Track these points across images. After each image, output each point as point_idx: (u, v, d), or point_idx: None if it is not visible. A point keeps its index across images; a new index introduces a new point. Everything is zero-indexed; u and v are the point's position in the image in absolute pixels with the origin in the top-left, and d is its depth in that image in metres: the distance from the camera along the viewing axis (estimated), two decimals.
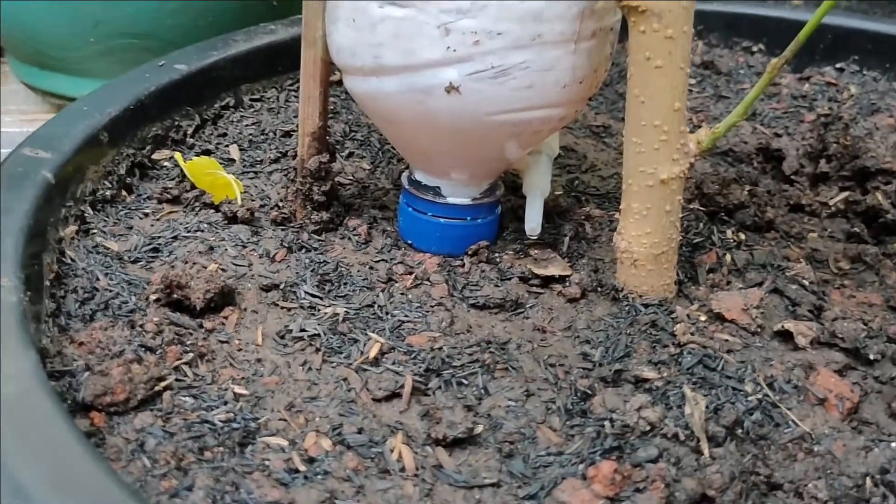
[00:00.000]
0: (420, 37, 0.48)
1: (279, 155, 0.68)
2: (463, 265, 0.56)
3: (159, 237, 0.57)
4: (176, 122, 0.68)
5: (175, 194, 0.61)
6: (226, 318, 0.51)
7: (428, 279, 0.55)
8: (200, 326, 0.50)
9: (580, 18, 0.48)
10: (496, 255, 0.57)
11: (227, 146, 0.69)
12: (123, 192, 0.61)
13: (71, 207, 0.55)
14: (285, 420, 0.44)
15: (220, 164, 0.63)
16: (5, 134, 0.92)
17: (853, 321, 0.51)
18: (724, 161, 0.74)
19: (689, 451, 0.42)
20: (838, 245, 0.62)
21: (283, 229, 0.59)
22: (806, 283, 0.55)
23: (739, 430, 0.44)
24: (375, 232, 0.60)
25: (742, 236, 0.61)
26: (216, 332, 0.50)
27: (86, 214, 0.57)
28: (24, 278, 0.45)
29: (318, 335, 0.49)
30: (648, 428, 0.43)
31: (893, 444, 0.44)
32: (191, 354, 0.47)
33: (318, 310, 0.52)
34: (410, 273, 0.56)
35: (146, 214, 0.60)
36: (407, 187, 0.58)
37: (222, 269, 0.54)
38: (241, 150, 0.69)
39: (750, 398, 0.46)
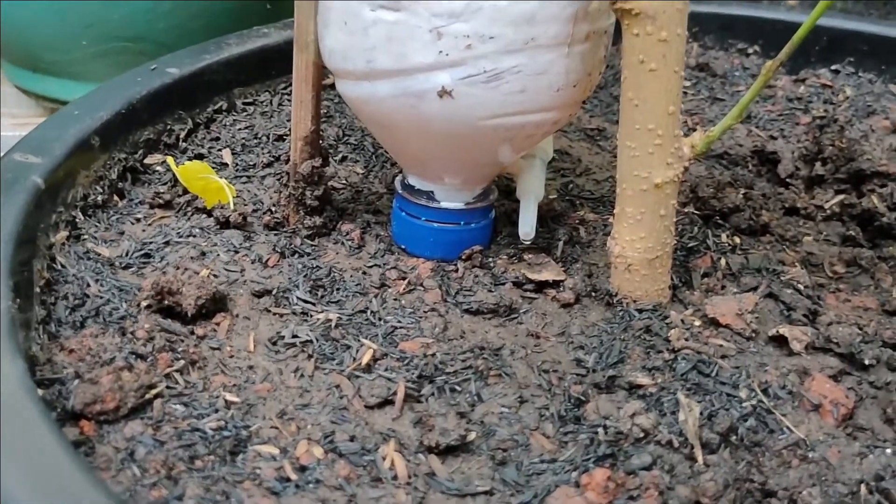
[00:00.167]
0: (412, 40, 0.47)
1: (272, 159, 0.68)
2: (456, 270, 0.56)
3: (151, 242, 0.57)
4: (168, 127, 0.68)
5: (167, 199, 0.61)
6: (217, 324, 0.50)
7: (421, 284, 0.55)
8: (192, 333, 0.49)
9: (573, 21, 0.47)
10: (490, 259, 0.57)
11: (219, 150, 0.69)
12: (115, 197, 0.61)
13: (62, 213, 0.55)
14: (277, 428, 0.44)
15: (213, 168, 0.63)
16: None
17: (848, 326, 0.51)
18: (719, 164, 0.74)
19: (683, 459, 0.42)
20: (833, 248, 0.62)
21: (275, 234, 0.59)
22: (801, 287, 0.55)
23: (734, 437, 0.44)
24: (369, 237, 0.59)
25: (737, 240, 0.61)
26: (208, 338, 0.49)
27: (77, 220, 0.56)
28: (13, 285, 0.45)
29: (311, 341, 0.49)
30: (642, 435, 0.43)
31: (888, 451, 0.44)
32: (182, 362, 0.46)
33: (311, 316, 0.51)
34: (404, 278, 0.55)
35: (138, 219, 0.59)
36: (400, 192, 0.57)
37: (214, 275, 0.54)
38: (233, 154, 0.68)
39: (744, 404, 0.45)
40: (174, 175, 0.62)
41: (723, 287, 0.55)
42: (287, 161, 0.60)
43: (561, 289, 0.55)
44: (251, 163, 0.67)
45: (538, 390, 0.47)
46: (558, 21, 0.47)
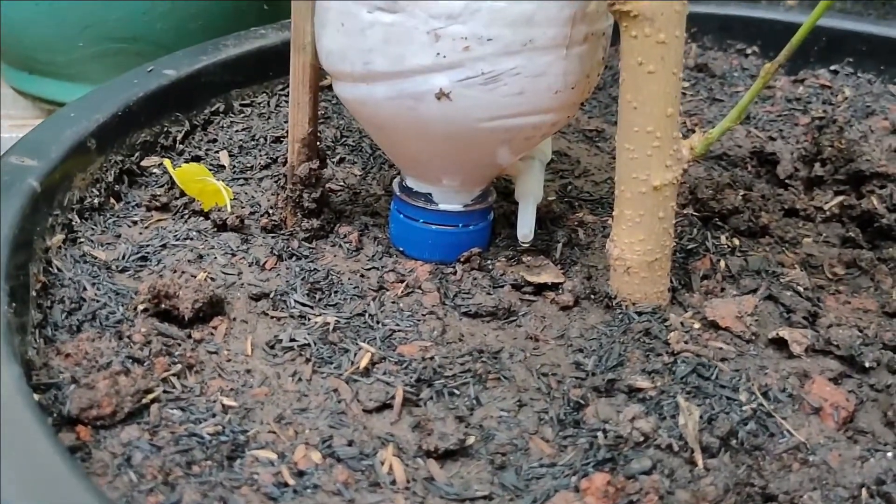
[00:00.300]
0: (410, 42, 0.47)
1: (269, 161, 0.67)
2: (455, 272, 0.56)
3: (148, 245, 0.56)
4: (165, 129, 0.67)
5: (164, 202, 0.60)
6: (215, 328, 0.50)
7: (419, 287, 0.55)
8: (189, 337, 0.49)
9: (572, 23, 0.47)
10: (488, 262, 0.57)
11: (216, 152, 0.68)
12: (111, 200, 0.60)
13: (58, 216, 0.55)
14: (274, 432, 0.43)
15: (210, 170, 0.63)
16: None
17: (848, 328, 0.51)
18: (718, 165, 0.73)
19: (683, 463, 0.42)
20: (833, 250, 0.61)
21: (273, 237, 0.58)
22: (800, 289, 0.55)
23: (734, 441, 0.43)
24: (367, 239, 0.59)
25: (736, 242, 0.60)
26: (205, 342, 0.49)
27: (73, 223, 0.56)
28: (9, 289, 0.45)
29: (309, 345, 0.49)
30: (642, 439, 0.43)
31: (889, 454, 0.44)
32: (179, 366, 0.46)
33: (309, 319, 0.51)
34: (402, 281, 0.55)
35: (134, 222, 0.59)
36: (398, 194, 0.57)
37: (211, 278, 0.54)
38: (230, 156, 0.68)
39: (744, 408, 0.45)
40: (171, 177, 0.62)
41: (722, 289, 0.55)
42: (284, 163, 0.60)
43: (560, 291, 0.54)
44: (248, 165, 0.67)
45: (537, 394, 0.47)
46: (556, 23, 0.47)
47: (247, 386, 0.46)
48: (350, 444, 0.43)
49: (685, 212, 0.62)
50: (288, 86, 0.57)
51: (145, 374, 0.45)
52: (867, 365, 0.48)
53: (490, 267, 0.56)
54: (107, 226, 0.58)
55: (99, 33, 0.85)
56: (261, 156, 0.68)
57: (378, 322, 0.51)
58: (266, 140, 0.70)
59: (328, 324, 0.50)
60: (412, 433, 0.44)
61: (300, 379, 0.47)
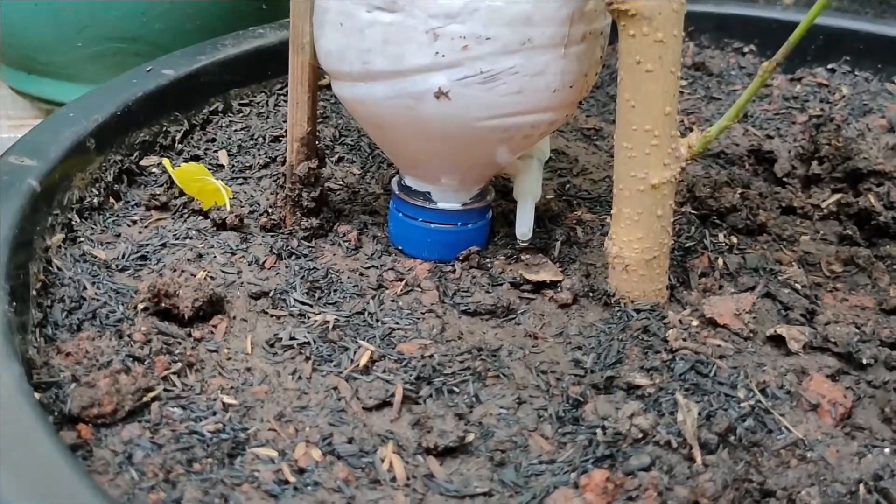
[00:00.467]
0: (409, 42, 0.47)
1: (268, 160, 0.68)
2: (454, 271, 0.56)
3: (147, 245, 0.56)
4: (164, 128, 0.68)
5: (163, 201, 0.61)
6: (215, 326, 0.50)
7: (418, 285, 0.55)
8: (189, 335, 0.49)
9: (570, 22, 0.47)
10: (487, 260, 0.57)
11: (215, 152, 0.69)
12: (111, 200, 0.61)
13: (57, 216, 0.55)
14: (275, 430, 0.44)
15: (209, 169, 0.63)
16: None
17: (846, 325, 0.51)
18: (716, 163, 0.74)
19: (682, 459, 0.42)
20: (830, 248, 0.62)
21: (272, 236, 0.58)
22: (798, 286, 0.55)
23: (732, 437, 0.44)
24: (366, 238, 0.59)
25: (734, 239, 0.61)
26: (205, 341, 0.49)
27: (73, 222, 0.56)
28: (9, 289, 0.45)
29: (308, 343, 0.49)
30: (641, 435, 0.43)
31: (887, 450, 0.44)
32: (179, 364, 0.46)
33: (308, 317, 0.51)
34: (401, 279, 0.55)
35: (134, 222, 0.59)
36: (397, 193, 0.57)
37: (211, 277, 0.54)
38: (229, 155, 0.68)
39: (742, 404, 0.45)
40: (170, 177, 0.62)
41: (720, 287, 0.55)
42: (283, 162, 0.60)
43: (558, 289, 0.55)
44: (247, 164, 0.67)
45: (536, 391, 0.47)
46: (554, 22, 0.47)
47: (247, 384, 0.46)
48: (350, 441, 0.43)
49: (683, 210, 0.62)
50: (286, 85, 0.57)
51: (146, 372, 0.45)
52: (864, 362, 0.49)
53: (489, 265, 0.57)
54: (106, 225, 0.58)
55: (97, 33, 0.85)
56: (260, 155, 0.68)
57: (377, 320, 0.52)
58: (265, 139, 0.70)
59: (328, 322, 0.51)
60: (412, 430, 0.44)
61: (300, 377, 0.47)
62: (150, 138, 0.66)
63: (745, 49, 0.94)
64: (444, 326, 0.51)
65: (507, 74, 0.47)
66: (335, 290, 0.54)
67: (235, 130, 0.71)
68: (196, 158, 0.67)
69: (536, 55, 0.47)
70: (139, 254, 0.55)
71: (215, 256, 0.56)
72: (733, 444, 0.43)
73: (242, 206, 0.62)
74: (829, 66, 0.91)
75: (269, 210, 0.60)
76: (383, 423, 0.45)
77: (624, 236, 0.51)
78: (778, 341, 0.50)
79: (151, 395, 0.44)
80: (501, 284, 0.55)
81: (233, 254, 0.56)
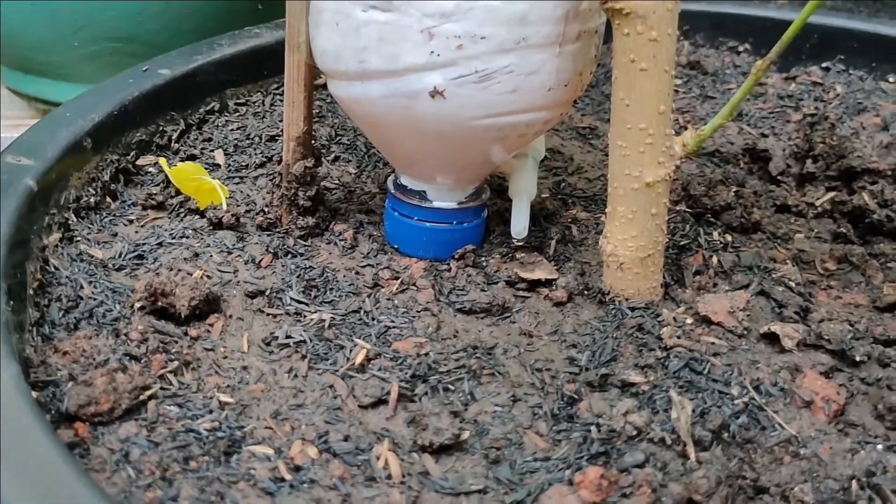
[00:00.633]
0: (404, 41, 0.47)
1: (265, 160, 0.68)
2: (449, 269, 0.56)
3: (144, 244, 0.57)
4: (160, 128, 0.68)
5: (160, 200, 0.61)
6: (211, 325, 0.50)
7: (414, 284, 0.55)
8: (185, 334, 0.49)
9: (564, 21, 0.47)
10: (482, 259, 0.57)
11: (212, 151, 0.69)
12: (108, 199, 0.61)
13: (54, 215, 0.55)
14: (271, 428, 0.44)
15: (205, 169, 0.63)
16: None
17: (839, 322, 0.51)
18: (711, 162, 0.74)
19: (676, 456, 0.42)
20: (825, 246, 0.62)
21: (268, 235, 0.59)
22: (792, 284, 0.55)
23: (726, 434, 0.44)
24: (361, 237, 0.59)
25: (728, 238, 0.61)
26: (201, 339, 0.49)
27: (69, 222, 0.56)
28: (7, 288, 0.45)
29: (304, 342, 0.49)
30: (635, 433, 0.43)
31: (880, 447, 0.44)
32: (176, 363, 0.46)
33: (304, 316, 0.52)
34: (397, 278, 0.55)
35: (130, 221, 0.59)
36: (393, 191, 0.57)
37: (207, 276, 0.54)
38: (226, 154, 0.68)
39: (736, 401, 0.46)
40: (167, 176, 0.62)
41: (714, 285, 0.56)
42: (279, 161, 0.60)
43: (553, 287, 0.55)
44: (244, 163, 0.67)
45: (531, 389, 0.47)
46: (549, 21, 0.47)
47: (243, 382, 0.47)
48: (346, 439, 0.43)
49: (678, 208, 0.63)
50: (282, 85, 0.57)
51: (142, 371, 0.45)
52: (858, 359, 0.49)
53: (484, 264, 0.57)
54: (103, 224, 0.58)
55: (94, 33, 0.85)
56: (256, 154, 0.68)
57: (373, 319, 0.52)
58: (261, 139, 0.71)
59: (324, 321, 0.51)
60: (407, 428, 0.44)
61: (296, 375, 0.47)
62: (147, 138, 0.66)
63: (740, 48, 0.95)
64: (439, 325, 0.52)
65: (502, 73, 0.48)
66: (331, 289, 0.54)
67: (232, 130, 0.72)
68: (192, 158, 0.67)
69: (531, 54, 0.48)
70: (136, 253, 0.56)
71: (212, 255, 0.56)
72: (727, 440, 0.44)
73: (239, 206, 0.62)
74: (824, 65, 0.91)
75: (266, 209, 0.60)
76: (379, 421, 0.45)
77: (619, 234, 0.51)
78: (772, 339, 0.51)
79: (148, 393, 0.44)
80: (497, 283, 0.55)
81: (229, 253, 0.57)
